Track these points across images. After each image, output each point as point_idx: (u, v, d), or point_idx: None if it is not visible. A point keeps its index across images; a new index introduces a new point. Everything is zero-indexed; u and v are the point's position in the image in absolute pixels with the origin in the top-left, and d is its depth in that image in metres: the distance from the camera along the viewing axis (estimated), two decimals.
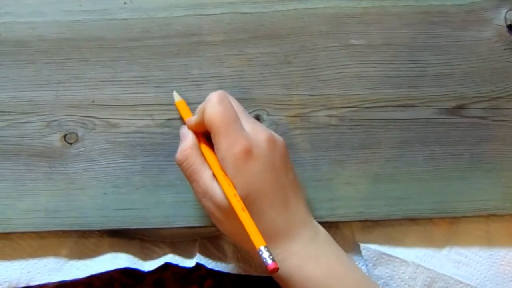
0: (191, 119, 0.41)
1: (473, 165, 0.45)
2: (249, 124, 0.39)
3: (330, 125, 0.45)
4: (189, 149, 0.40)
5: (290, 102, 0.45)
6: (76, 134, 0.45)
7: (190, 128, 0.42)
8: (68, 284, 0.45)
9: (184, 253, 0.45)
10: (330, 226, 0.46)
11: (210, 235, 0.46)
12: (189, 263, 0.44)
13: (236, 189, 0.37)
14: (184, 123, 0.43)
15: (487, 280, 0.44)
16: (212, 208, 0.39)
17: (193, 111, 0.45)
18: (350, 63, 0.46)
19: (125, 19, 0.46)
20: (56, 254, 0.45)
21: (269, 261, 0.34)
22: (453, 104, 0.46)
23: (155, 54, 0.45)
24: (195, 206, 0.44)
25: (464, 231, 0.46)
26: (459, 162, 0.45)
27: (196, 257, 0.44)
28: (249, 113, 0.45)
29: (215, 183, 0.39)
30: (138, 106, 0.45)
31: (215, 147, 0.39)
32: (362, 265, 0.45)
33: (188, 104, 0.45)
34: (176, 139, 0.45)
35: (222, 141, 0.38)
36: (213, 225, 0.44)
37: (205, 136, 0.41)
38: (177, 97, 0.44)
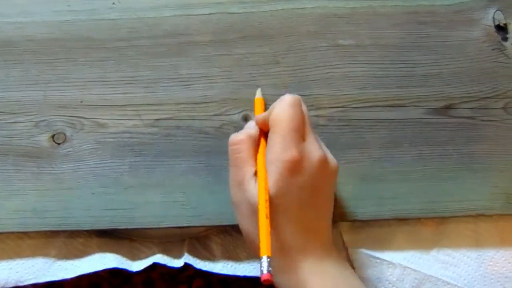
0: (260, 114, 0.41)
1: (462, 165, 0.45)
2: (310, 138, 0.39)
3: (319, 125, 0.45)
4: (246, 137, 0.40)
5: None
6: (65, 134, 0.45)
7: (256, 123, 0.41)
8: (56, 284, 0.45)
9: (173, 253, 0.45)
10: None
11: (198, 235, 0.46)
12: (177, 263, 0.44)
13: (269, 194, 0.37)
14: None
15: (475, 280, 0.44)
16: (240, 200, 0.39)
17: (183, 111, 0.45)
18: (338, 63, 0.46)
19: (113, 19, 0.46)
20: (45, 254, 0.45)
21: (265, 271, 0.34)
22: (442, 104, 0.46)
23: (144, 54, 0.45)
24: (184, 206, 0.44)
25: (452, 231, 0.46)
26: (447, 162, 0.45)
27: (184, 257, 0.44)
28: (237, 113, 0.45)
29: (253, 181, 0.38)
30: (126, 106, 0.45)
31: (267, 146, 0.38)
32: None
33: (177, 104, 0.45)
34: (165, 139, 0.45)
35: (276, 143, 0.38)
36: (201, 225, 0.45)
37: (266, 137, 0.41)
38: (259, 94, 0.44)
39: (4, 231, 0.44)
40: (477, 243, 0.46)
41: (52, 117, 0.45)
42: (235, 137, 0.40)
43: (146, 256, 0.45)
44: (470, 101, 0.46)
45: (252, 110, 0.45)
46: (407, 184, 0.45)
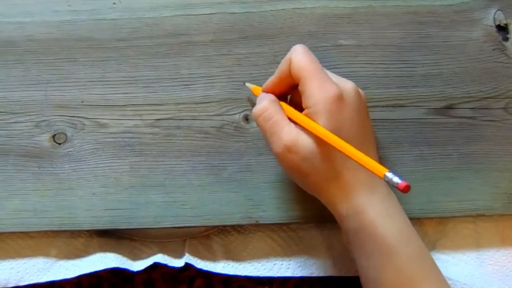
0: (270, 78, 0.41)
1: (462, 165, 0.45)
2: (331, 74, 0.39)
3: None
4: (269, 102, 0.40)
5: None
6: (65, 134, 0.45)
7: (269, 88, 0.41)
8: (57, 284, 0.45)
9: (173, 253, 0.45)
10: (316, 227, 0.46)
11: (199, 235, 0.46)
12: (178, 263, 0.44)
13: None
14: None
15: (476, 278, 0.44)
16: (296, 161, 0.38)
17: (184, 111, 0.45)
18: (339, 63, 0.46)
19: (114, 19, 0.46)
20: (45, 254, 0.45)
21: (399, 181, 0.33)
22: (442, 104, 0.46)
23: (144, 54, 0.45)
24: (184, 206, 0.44)
25: (452, 231, 0.46)
26: (447, 162, 0.45)
27: (185, 257, 0.44)
28: (238, 113, 0.45)
29: (302, 133, 0.38)
30: (127, 106, 0.45)
31: (305, 94, 0.38)
32: None
33: (178, 104, 0.45)
34: (165, 139, 0.45)
35: (312, 86, 0.37)
36: (202, 225, 0.45)
37: (284, 99, 0.40)
38: (250, 86, 0.44)
39: (5, 231, 0.44)
40: (477, 242, 0.46)
41: (53, 117, 0.45)
42: (258, 107, 0.40)
43: (147, 256, 0.45)
44: (471, 101, 0.46)
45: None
46: None
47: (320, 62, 0.39)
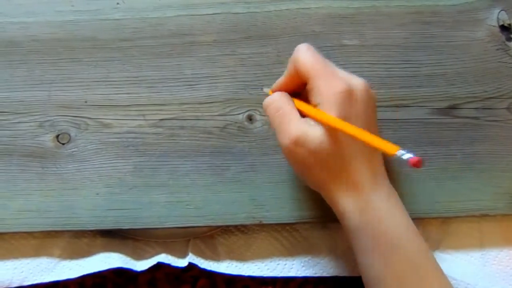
0: (279, 79, 0.41)
1: (466, 165, 0.45)
2: (340, 70, 0.39)
3: None
4: (278, 94, 0.40)
5: None
6: (69, 134, 0.45)
7: (279, 88, 0.41)
8: (60, 284, 0.45)
9: (177, 253, 0.45)
10: (320, 227, 0.46)
11: (202, 235, 0.46)
12: (182, 263, 0.44)
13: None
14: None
15: (480, 278, 0.44)
16: (303, 154, 0.38)
17: (187, 111, 0.45)
18: (342, 63, 0.46)
19: (117, 19, 0.46)
20: (49, 254, 0.45)
21: (412, 155, 0.32)
22: (446, 104, 0.46)
23: (148, 54, 0.45)
24: (188, 206, 0.44)
25: (456, 231, 0.46)
26: (451, 162, 0.45)
27: (188, 257, 0.44)
28: (241, 113, 0.45)
29: (311, 126, 0.38)
30: (130, 106, 0.45)
31: (313, 92, 0.38)
32: None
33: (181, 104, 0.45)
34: (169, 139, 0.45)
35: (322, 83, 0.37)
36: (206, 225, 0.45)
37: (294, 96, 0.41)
38: (267, 91, 0.44)
39: (8, 231, 0.44)
40: (481, 243, 0.46)
41: (57, 117, 0.45)
42: (267, 99, 0.40)
43: (151, 256, 0.45)
44: (475, 101, 0.46)
45: (256, 109, 0.45)
46: (411, 184, 0.45)
47: None
